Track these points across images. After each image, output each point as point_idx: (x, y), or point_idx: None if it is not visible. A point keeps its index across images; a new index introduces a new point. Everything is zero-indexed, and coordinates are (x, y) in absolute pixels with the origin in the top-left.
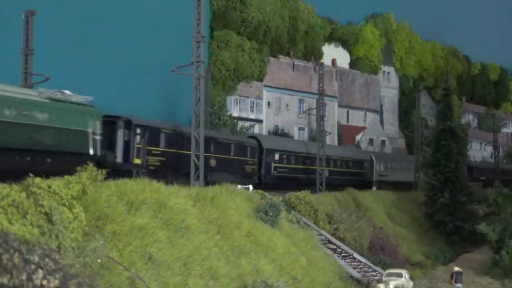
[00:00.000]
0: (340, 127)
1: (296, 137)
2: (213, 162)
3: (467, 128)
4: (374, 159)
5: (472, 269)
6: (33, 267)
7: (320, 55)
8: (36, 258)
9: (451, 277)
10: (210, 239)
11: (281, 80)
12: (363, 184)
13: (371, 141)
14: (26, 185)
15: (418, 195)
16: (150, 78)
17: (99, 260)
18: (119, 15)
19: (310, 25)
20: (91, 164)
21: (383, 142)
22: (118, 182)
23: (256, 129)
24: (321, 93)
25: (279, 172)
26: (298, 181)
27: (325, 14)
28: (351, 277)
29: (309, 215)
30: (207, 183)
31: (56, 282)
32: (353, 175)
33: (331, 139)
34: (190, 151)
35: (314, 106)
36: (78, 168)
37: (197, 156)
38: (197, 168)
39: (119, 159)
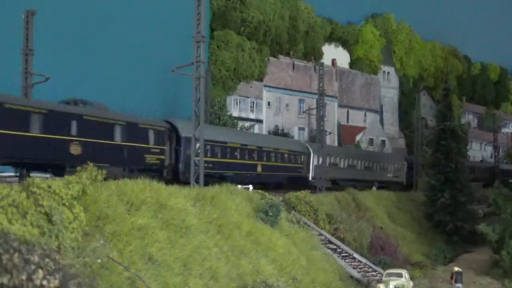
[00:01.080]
0: (340, 127)
1: (296, 137)
2: (76, 149)
3: (467, 128)
4: (311, 151)
5: (472, 269)
6: (33, 267)
7: (320, 55)
8: (36, 258)
9: (451, 277)
10: (210, 239)
11: (281, 80)
12: (298, 181)
13: (371, 141)
14: (26, 185)
15: (418, 195)
16: (150, 78)
17: (99, 260)
18: (119, 15)
19: (310, 25)
20: (91, 164)
21: (383, 142)
22: (118, 182)
23: (256, 129)
24: (321, 93)
25: (204, 168)
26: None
27: (325, 14)
28: (351, 277)
29: (309, 215)
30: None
31: (56, 282)
32: (282, 170)
33: (331, 139)
34: (24, 131)
35: (314, 106)
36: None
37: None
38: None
39: None
